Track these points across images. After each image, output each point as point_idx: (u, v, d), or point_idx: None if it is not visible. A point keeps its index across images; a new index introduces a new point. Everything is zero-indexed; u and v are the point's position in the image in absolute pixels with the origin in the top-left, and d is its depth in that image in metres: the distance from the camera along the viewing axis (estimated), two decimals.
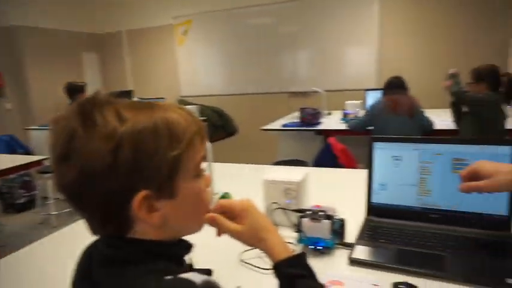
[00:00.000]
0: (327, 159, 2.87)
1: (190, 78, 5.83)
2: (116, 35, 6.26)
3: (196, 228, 0.61)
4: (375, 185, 1.19)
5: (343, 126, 3.43)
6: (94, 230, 0.54)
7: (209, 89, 5.67)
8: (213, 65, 5.62)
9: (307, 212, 1.02)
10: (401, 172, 1.16)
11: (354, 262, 0.95)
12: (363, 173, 1.21)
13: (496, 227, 1.04)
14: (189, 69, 5.80)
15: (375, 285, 0.86)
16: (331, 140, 2.92)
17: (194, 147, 0.54)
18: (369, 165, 1.20)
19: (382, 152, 1.19)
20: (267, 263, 0.96)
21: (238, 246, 1.04)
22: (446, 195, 1.10)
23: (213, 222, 0.63)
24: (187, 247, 0.59)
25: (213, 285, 0.51)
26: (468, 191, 0.89)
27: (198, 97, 5.50)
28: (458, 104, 2.82)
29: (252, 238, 0.67)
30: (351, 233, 1.09)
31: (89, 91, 4.94)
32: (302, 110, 3.54)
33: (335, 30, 4.79)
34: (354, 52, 4.77)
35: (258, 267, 0.97)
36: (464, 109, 2.80)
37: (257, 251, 1.00)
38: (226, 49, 5.48)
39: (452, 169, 1.09)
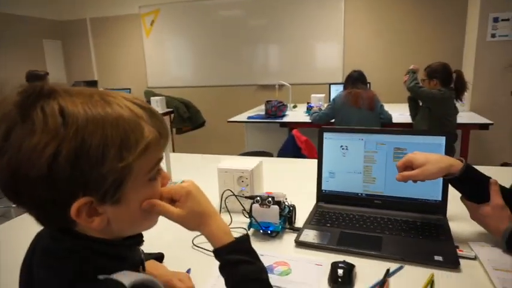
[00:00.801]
0: (290, 150, 2.94)
1: (157, 69, 5.75)
2: (80, 22, 6.05)
3: (146, 228, 0.59)
4: (325, 174, 1.26)
5: (307, 119, 3.52)
6: (37, 221, 0.53)
7: (177, 80, 5.61)
8: (181, 56, 5.57)
9: (257, 199, 1.06)
10: (349, 161, 1.23)
11: (300, 244, 1.01)
12: (315, 163, 1.27)
13: (431, 211, 1.13)
14: (157, 60, 5.71)
15: (317, 264, 0.92)
16: (295, 132, 2.99)
17: (149, 154, 0.51)
18: (319, 155, 1.26)
19: (331, 142, 1.25)
20: None
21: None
22: (389, 182, 1.18)
23: (151, 208, 0.57)
24: (134, 244, 0.58)
25: (145, 286, 0.51)
26: (403, 180, 0.99)
27: (166, 88, 5.44)
28: (414, 98, 2.97)
29: (193, 222, 0.65)
30: (302, 218, 1.15)
31: (52, 80, 4.77)
32: (268, 102, 3.60)
33: (303, 25, 4.86)
34: (321, 47, 4.87)
35: (209, 250, 1.01)
36: (420, 104, 2.94)
37: None
38: (195, 41, 5.44)
39: (394, 158, 1.18)
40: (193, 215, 0.65)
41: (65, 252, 0.51)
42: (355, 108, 3.05)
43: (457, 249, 0.94)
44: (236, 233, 1.06)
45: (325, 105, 3.82)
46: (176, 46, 5.54)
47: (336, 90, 3.72)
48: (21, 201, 0.49)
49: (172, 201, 0.64)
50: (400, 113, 3.40)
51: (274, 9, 4.97)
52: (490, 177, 1.00)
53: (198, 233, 1.03)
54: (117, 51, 5.93)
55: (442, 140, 1.13)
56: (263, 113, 3.67)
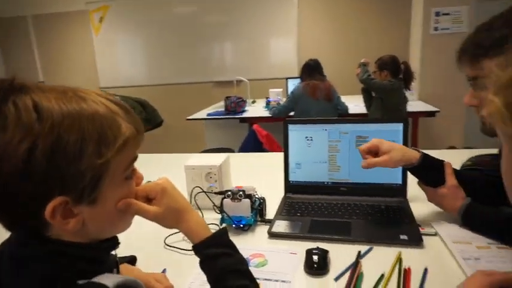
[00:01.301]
0: (252, 145, 2.96)
1: (109, 68, 5.51)
2: (20, 20, 5.64)
3: (121, 229, 0.58)
4: (292, 165, 1.28)
5: (266, 113, 3.55)
6: (6, 227, 0.50)
7: (131, 79, 5.41)
8: (134, 54, 5.37)
9: (228, 193, 1.06)
10: (314, 151, 1.26)
11: (273, 235, 1.03)
12: (281, 155, 1.29)
13: (393, 195, 1.19)
14: (108, 59, 5.47)
15: (292, 253, 0.94)
16: (256, 126, 3.01)
17: (126, 151, 0.50)
18: (285, 147, 1.28)
19: (295, 134, 1.27)
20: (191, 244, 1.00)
21: (162, 231, 1.05)
22: (353, 169, 1.23)
23: (128, 208, 0.56)
24: (110, 247, 0.56)
25: (127, 287, 0.50)
26: (369, 167, 1.04)
27: (120, 88, 5.23)
28: (367, 90, 3.10)
29: (171, 220, 0.65)
30: (272, 210, 1.16)
31: None
32: (227, 98, 3.59)
33: (258, 21, 4.89)
34: (276, 42, 4.93)
35: (182, 249, 0.99)
36: (373, 94, 3.08)
37: (180, 235, 1.03)
38: (148, 38, 5.27)
39: (356, 146, 1.22)
40: (170, 212, 0.64)
41: (36, 259, 0.49)
42: (313, 100, 3.11)
43: (419, 228, 1.00)
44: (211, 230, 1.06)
45: (284, 99, 3.88)
46: (128, 44, 5.34)
47: (293, 84, 3.78)
48: None
49: (148, 200, 0.62)
50: (355, 104, 3.54)
51: (229, 5, 4.95)
52: (443, 161, 1.07)
53: (170, 233, 1.04)
54: (64, 51, 5.60)
55: (399, 126, 1.19)
56: (222, 109, 3.66)
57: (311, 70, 3.18)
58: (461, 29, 3.50)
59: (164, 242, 1.03)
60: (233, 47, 5.08)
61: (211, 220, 1.12)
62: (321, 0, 4.73)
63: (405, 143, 1.17)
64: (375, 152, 1.06)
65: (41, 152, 0.43)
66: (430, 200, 1.10)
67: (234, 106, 3.50)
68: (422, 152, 1.06)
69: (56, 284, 0.47)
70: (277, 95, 3.73)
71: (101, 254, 0.55)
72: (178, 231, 1.04)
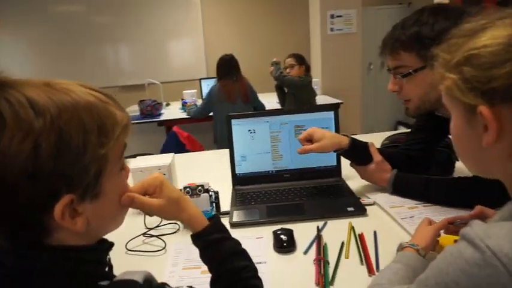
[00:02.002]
0: (174, 147, 2.90)
1: None
2: None
3: (117, 224, 0.57)
4: (237, 158, 1.33)
5: (183, 115, 3.52)
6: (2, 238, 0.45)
7: None
8: (18, 58, 4.76)
9: (187, 189, 1.06)
10: (257, 143, 1.33)
11: (235, 225, 1.07)
12: (224, 152, 1.33)
13: (330, 175, 1.33)
14: None
15: (258, 238, 0.99)
16: (176, 128, 2.97)
17: (121, 140, 0.50)
18: (229, 141, 1.32)
19: (239, 128, 1.33)
20: (154, 246, 0.98)
21: (122, 237, 1.01)
22: (294, 157, 1.34)
23: (132, 203, 0.57)
24: (109, 247, 0.55)
25: (151, 280, 0.50)
26: (303, 153, 1.17)
27: None
28: (280, 87, 3.30)
29: (173, 210, 0.65)
30: (224, 203, 1.19)
31: None
32: (141, 102, 3.45)
33: (158, 21, 4.79)
34: (183, 43, 4.90)
35: (145, 251, 0.97)
36: (286, 91, 3.30)
37: (139, 239, 1.01)
38: (33, 40, 4.72)
39: (295, 134, 1.33)
40: (172, 203, 0.65)
41: (45, 271, 0.45)
42: (229, 103, 3.07)
43: (360, 200, 1.15)
44: (168, 230, 1.06)
45: (199, 100, 3.88)
46: (10, 46, 4.71)
47: (208, 85, 3.81)
48: None
49: (145, 195, 0.62)
50: (268, 101, 3.72)
51: (124, 5, 4.73)
52: (367, 142, 1.24)
53: (130, 238, 1.00)
54: None
55: (331, 114, 1.34)
56: (137, 114, 3.50)
57: (228, 67, 3.10)
58: (351, 30, 3.96)
59: (126, 247, 0.99)
60: (135, 49, 4.89)
61: (169, 220, 1.11)
62: (223, 1, 4.84)
63: (337, 128, 1.32)
64: (310, 140, 1.18)
65: (45, 150, 0.41)
66: (362, 177, 1.26)
67: (150, 109, 3.38)
68: (351, 137, 1.21)
69: None
70: (191, 96, 3.72)
71: (103, 256, 0.54)
72: (137, 235, 1.02)
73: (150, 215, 0.73)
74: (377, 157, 1.21)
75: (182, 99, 3.70)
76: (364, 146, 1.23)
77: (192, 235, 0.67)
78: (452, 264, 0.46)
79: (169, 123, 3.36)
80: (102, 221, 0.51)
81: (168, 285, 0.51)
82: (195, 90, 3.81)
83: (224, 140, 3.09)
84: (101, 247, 0.53)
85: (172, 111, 3.72)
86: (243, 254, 0.67)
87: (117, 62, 4.97)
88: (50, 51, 4.77)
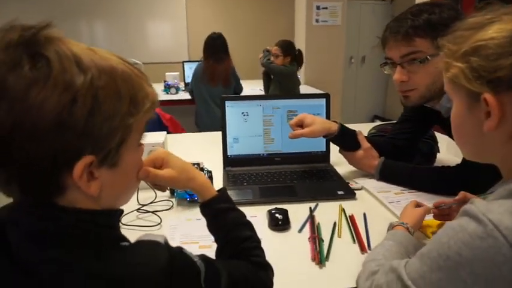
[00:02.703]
0: (157, 130, 2.87)
1: None
2: None
3: (127, 199, 0.58)
4: (229, 140, 1.35)
5: (166, 97, 3.48)
6: (3, 189, 0.45)
7: None
8: None
9: None
10: (250, 126, 1.35)
11: None
12: (213, 134, 1.34)
13: (319, 161, 1.37)
14: None
15: (252, 216, 1.01)
16: (158, 110, 2.92)
17: (146, 115, 0.50)
18: (222, 123, 1.33)
19: (232, 110, 1.34)
20: (149, 222, 0.99)
21: None
22: (285, 141, 1.36)
23: (148, 177, 0.60)
24: (120, 213, 0.55)
25: (167, 241, 0.51)
26: (294, 137, 1.20)
27: None
28: (267, 73, 3.31)
29: (184, 179, 0.67)
30: (216, 184, 1.21)
31: None
32: None
33: (140, 0, 4.65)
34: (165, 25, 4.79)
35: (140, 225, 0.98)
36: (272, 77, 3.31)
37: (133, 214, 1.01)
38: (2, 15, 4.49)
39: (287, 119, 1.35)
40: (183, 171, 0.67)
41: (68, 230, 0.46)
42: (211, 87, 3.04)
43: (348, 184, 1.19)
44: (161, 206, 1.07)
45: (182, 83, 3.84)
46: None
47: (190, 68, 3.76)
48: (6, 159, 0.42)
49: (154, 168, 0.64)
50: (251, 88, 3.73)
51: None
52: (355, 130, 1.29)
53: (124, 214, 1.00)
54: None
55: (323, 101, 1.37)
56: None
57: (214, 47, 3.02)
58: (336, 22, 4.01)
59: (120, 222, 0.99)
60: (115, 28, 4.74)
61: (163, 197, 1.12)
62: None
63: (327, 114, 1.36)
64: (301, 125, 1.21)
65: (80, 107, 0.42)
66: (350, 163, 1.30)
67: None
68: (340, 123, 1.25)
69: (99, 250, 0.45)
70: (174, 78, 3.66)
71: (115, 221, 0.55)
72: (131, 210, 1.03)
73: (163, 190, 0.74)
74: (365, 144, 1.25)
75: (165, 81, 3.64)
76: (353, 133, 1.28)
77: (201, 204, 0.69)
78: (454, 238, 0.49)
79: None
80: (115, 191, 0.52)
81: (184, 249, 0.53)
82: (178, 73, 3.76)
83: (203, 123, 3.10)
84: (113, 212, 0.54)
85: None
86: (248, 225, 0.70)
87: (94, 40, 4.81)
88: None
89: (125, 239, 0.50)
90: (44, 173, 0.43)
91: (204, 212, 0.69)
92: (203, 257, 0.56)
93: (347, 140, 1.27)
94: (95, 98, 0.43)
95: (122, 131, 0.47)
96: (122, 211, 0.57)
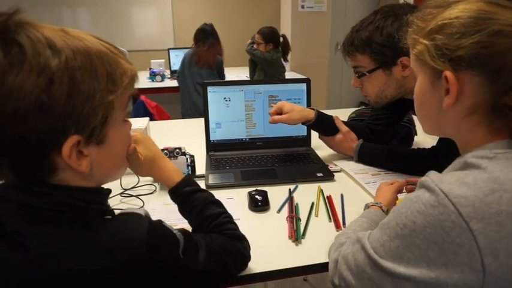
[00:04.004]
0: (142, 117, 2.87)
1: None
2: None
3: (117, 176, 0.60)
4: (212, 125, 1.36)
5: (151, 84, 3.45)
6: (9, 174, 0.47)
7: None
8: None
9: (165, 151, 1.09)
10: (232, 111, 1.37)
11: (211, 187, 1.11)
12: (197, 120, 1.35)
13: (300, 145, 1.40)
14: None
15: (229, 198, 1.04)
16: (144, 98, 2.91)
17: (127, 91, 0.52)
18: (204, 108, 1.35)
19: (214, 95, 1.35)
20: (132, 206, 1.00)
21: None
22: (267, 126, 1.38)
23: (134, 152, 0.66)
24: (108, 193, 0.58)
25: (148, 214, 0.54)
26: (273, 122, 1.23)
27: None
28: (253, 60, 3.31)
29: (146, 168, 0.71)
30: (200, 169, 1.23)
31: None
32: None
33: None
34: (150, 11, 4.71)
35: (123, 209, 0.99)
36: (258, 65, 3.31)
37: (116, 198, 1.02)
38: None
39: (269, 104, 1.38)
40: (146, 160, 0.70)
41: (58, 205, 0.48)
42: (196, 69, 3.03)
43: (328, 167, 1.23)
44: (145, 190, 1.08)
45: (168, 71, 3.81)
46: None
47: (176, 55, 3.73)
48: None
49: None
50: (236, 75, 3.72)
51: None
52: (332, 116, 1.32)
53: None
54: None
55: (303, 86, 1.39)
56: None
57: (207, 35, 3.04)
58: (322, 8, 4.00)
59: None
60: (98, 15, 4.64)
61: (146, 181, 1.13)
62: None
63: (308, 99, 1.38)
64: (281, 113, 1.23)
65: (58, 88, 0.43)
66: (330, 146, 1.34)
67: None
68: (317, 110, 1.28)
69: (85, 223, 0.48)
70: (159, 65, 3.63)
71: (104, 199, 0.57)
72: (115, 194, 1.05)
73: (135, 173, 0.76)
74: (343, 128, 1.29)
75: (150, 69, 3.61)
76: (330, 118, 1.31)
77: (169, 191, 0.72)
78: (410, 208, 0.53)
79: (136, 93, 3.29)
80: (105, 167, 0.54)
81: (164, 222, 0.56)
82: (163, 60, 3.72)
83: (189, 108, 3.09)
84: (101, 190, 0.57)
85: (140, 81, 3.61)
86: (217, 203, 0.73)
87: (78, 27, 4.70)
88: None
89: (110, 213, 0.53)
90: (33, 155, 0.45)
91: (173, 198, 0.73)
92: (183, 230, 0.58)
93: (325, 126, 1.30)
94: (71, 78, 0.44)
95: (104, 109, 0.48)
96: (110, 190, 0.59)
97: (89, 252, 0.47)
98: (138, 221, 0.52)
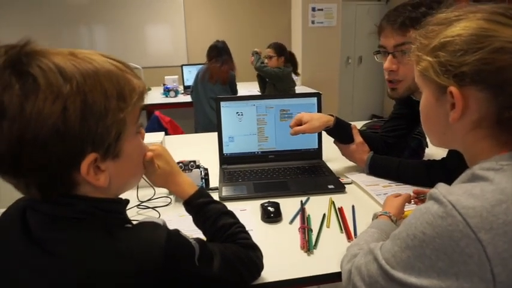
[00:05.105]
0: (156, 131, 2.93)
1: None
2: None
3: (134, 184, 0.63)
4: (225, 139, 1.40)
5: (165, 100, 3.54)
6: (26, 193, 0.52)
7: None
8: None
9: (180, 165, 1.12)
10: (244, 125, 1.40)
11: (224, 199, 1.13)
12: (210, 135, 1.39)
13: (312, 157, 1.42)
14: None
15: (242, 210, 1.06)
16: (158, 113, 2.99)
17: (137, 105, 0.54)
18: (218, 123, 1.39)
19: (227, 110, 1.39)
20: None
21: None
22: (279, 139, 1.42)
23: (151, 161, 0.69)
24: (126, 203, 0.61)
25: (166, 224, 0.57)
26: (295, 133, 1.25)
27: None
28: (261, 76, 3.37)
29: (162, 180, 0.74)
30: (213, 181, 1.26)
31: None
32: None
33: (139, 5, 4.72)
34: (164, 29, 4.86)
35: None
36: (267, 80, 3.37)
37: (133, 210, 1.06)
38: (4, 20, 4.54)
39: (280, 118, 1.41)
40: (164, 174, 0.74)
41: (82, 215, 0.52)
42: (209, 85, 3.11)
43: (339, 179, 1.24)
44: (161, 202, 1.12)
45: (181, 86, 3.90)
46: None
47: (189, 72, 3.82)
48: (20, 170, 0.48)
49: None
50: (248, 90, 3.78)
51: None
52: (350, 124, 1.34)
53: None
54: None
55: (314, 100, 1.42)
56: None
57: (219, 51, 3.14)
58: (332, 23, 4.06)
59: None
60: (114, 33, 4.80)
61: (161, 194, 1.17)
62: None
63: (319, 112, 1.41)
64: (300, 124, 1.26)
65: (73, 113, 0.46)
66: (343, 154, 1.36)
67: None
68: (336, 116, 1.31)
69: (107, 231, 0.51)
70: (173, 81, 3.72)
71: (123, 209, 0.60)
72: (132, 206, 1.08)
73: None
74: (358, 138, 1.31)
75: (164, 85, 3.70)
76: (348, 126, 1.33)
77: (184, 203, 0.76)
78: (420, 219, 0.54)
79: (151, 108, 3.37)
80: (122, 178, 0.58)
81: (181, 231, 0.59)
82: (177, 76, 3.82)
83: (202, 123, 3.15)
84: (120, 200, 0.60)
85: (154, 96, 3.71)
86: (229, 214, 0.76)
87: (94, 44, 4.86)
88: (25, 33, 4.58)
89: (129, 222, 0.56)
90: (55, 175, 0.49)
91: (187, 209, 0.76)
92: (198, 239, 0.61)
93: (342, 133, 1.33)
94: (84, 102, 0.47)
95: (116, 126, 0.51)
96: (128, 201, 0.62)
97: (111, 257, 0.50)
98: (157, 229, 0.55)
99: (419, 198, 0.93)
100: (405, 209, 0.92)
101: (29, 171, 0.48)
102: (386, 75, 1.14)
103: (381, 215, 0.87)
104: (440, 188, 0.55)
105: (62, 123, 0.45)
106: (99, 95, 0.49)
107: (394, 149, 1.33)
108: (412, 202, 0.94)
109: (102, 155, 0.51)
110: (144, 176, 0.71)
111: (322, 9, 3.95)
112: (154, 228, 0.55)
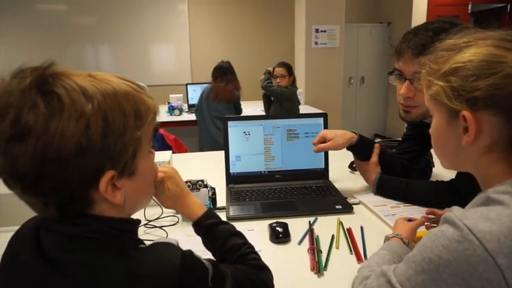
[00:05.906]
0: (161, 150, 2.94)
1: None
2: None
3: (145, 204, 0.64)
4: (232, 158, 1.41)
5: (170, 118, 3.56)
6: (43, 212, 0.52)
7: None
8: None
9: (188, 184, 1.13)
10: (251, 144, 1.41)
11: (232, 219, 1.13)
12: (216, 153, 1.40)
13: (318, 177, 1.42)
14: None
15: (250, 230, 1.06)
16: (162, 131, 3.01)
17: (151, 124, 0.56)
18: (225, 142, 1.40)
19: (234, 129, 1.40)
20: (156, 236, 1.04)
21: None
22: (285, 159, 1.42)
23: (162, 180, 0.70)
24: (138, 223, 0.62)
25: (179, 244, 0.57)
26: (319, 151, 1.28)
27: None
28: (267, 95, 3.40)
29: (172, 202, 0.75)
30: (219, 201, 1.26)
31: None
32: None
33: (144, 25, 4.83)
34: (169, 48, 4.95)
35: (148, 239, 1.02)
36: (272, 99, 3.40)
37: (141, 229, 1.06)
38: (10, 38, 4.65)
39: (287, 138, 1.42)
40: (173, 196, 0.75)
41: (97, 234, 0.52)
42: (213, 103, 3.18)
43: (347, 199, 1.24)
44: (168, 222, 1.11)
45: (185, 104, 3.93)
46: None
47: (194, 91, 3.87)
48: (41, 188, 0.48)
49: None
50: (252, 108, 3.82)
51: (107, 6, 4.75)
52: (375, 142, 1.35)
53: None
54: None
55: (321, 120, 1.43)
56: None
57: (224, 71, 3.21)
58: (335, 44, 4.13)
59: None
60: (119, 52, 4.89)
61: (168, 213, 1.17)
62: (210, 11, 4.95)
63: None
64: (324, 141, 1.28)
65: (94, 131, 0.47)
66: (358, 169, 1.37)
67: None
68: (358, 134, 1.32)
69: (121, 251, 0.51)
70: (178, 100, 3.76)
71: (136, 229, 0.60)
72: (140, 226, 1.09)
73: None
74: (374, 158, 1.31)
75: (168, 103, 3.74)
76: (370, 144, 1.34)
77: (193, 224, 0.76)
78: (435, 242, 0.54)
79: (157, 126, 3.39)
80: (136, 197, 0.58)
81: (194, 252, 0.58)
82: (181, 95, 3.86)
83: (206, 141, 3.18)
84: (133, 220, 0.60)
85: (159, 115, 3.73)
86: (239, 235, 0.76)
87: (99, 63, 4.95)
88: (30, 51, 4.68)
89: (142, 242, 0.56)
90: (74, 193, 0.50)
91: (196, 231, 0.76)
92: (211, 260, 0.61)
93: (362, 150, 1.33)
94: (104, 120, 0.48)
95: (133, 144, 0.52)
96: (140, 221, 0.63)
97: (125, 278, 0.50)
98: (172, 250, 0.55)
99: (431, 220, 0.93)
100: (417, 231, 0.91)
101: (51, 189, 0.48)
102: (402, 101, 1.14)
103: (392, 237, 0.86)
104: (455, 212, 0.55)
105: (85, 141, 0.47)
106: (118, 114, 0.50)
107: (409, 171, 1.33)
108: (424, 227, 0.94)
109: (119, 172, 0.52)
110: (153, 196, 0.72)
111: (325, 31, 4.03)
112: (169, 249, 0.55)
